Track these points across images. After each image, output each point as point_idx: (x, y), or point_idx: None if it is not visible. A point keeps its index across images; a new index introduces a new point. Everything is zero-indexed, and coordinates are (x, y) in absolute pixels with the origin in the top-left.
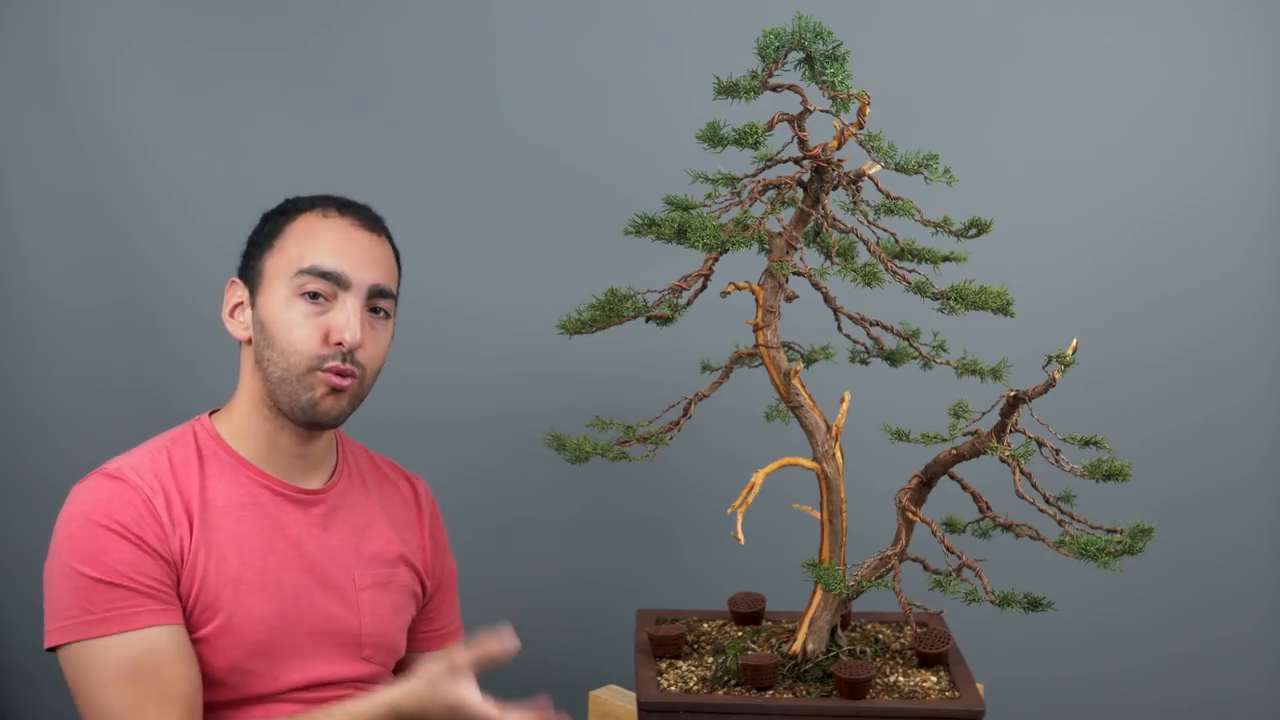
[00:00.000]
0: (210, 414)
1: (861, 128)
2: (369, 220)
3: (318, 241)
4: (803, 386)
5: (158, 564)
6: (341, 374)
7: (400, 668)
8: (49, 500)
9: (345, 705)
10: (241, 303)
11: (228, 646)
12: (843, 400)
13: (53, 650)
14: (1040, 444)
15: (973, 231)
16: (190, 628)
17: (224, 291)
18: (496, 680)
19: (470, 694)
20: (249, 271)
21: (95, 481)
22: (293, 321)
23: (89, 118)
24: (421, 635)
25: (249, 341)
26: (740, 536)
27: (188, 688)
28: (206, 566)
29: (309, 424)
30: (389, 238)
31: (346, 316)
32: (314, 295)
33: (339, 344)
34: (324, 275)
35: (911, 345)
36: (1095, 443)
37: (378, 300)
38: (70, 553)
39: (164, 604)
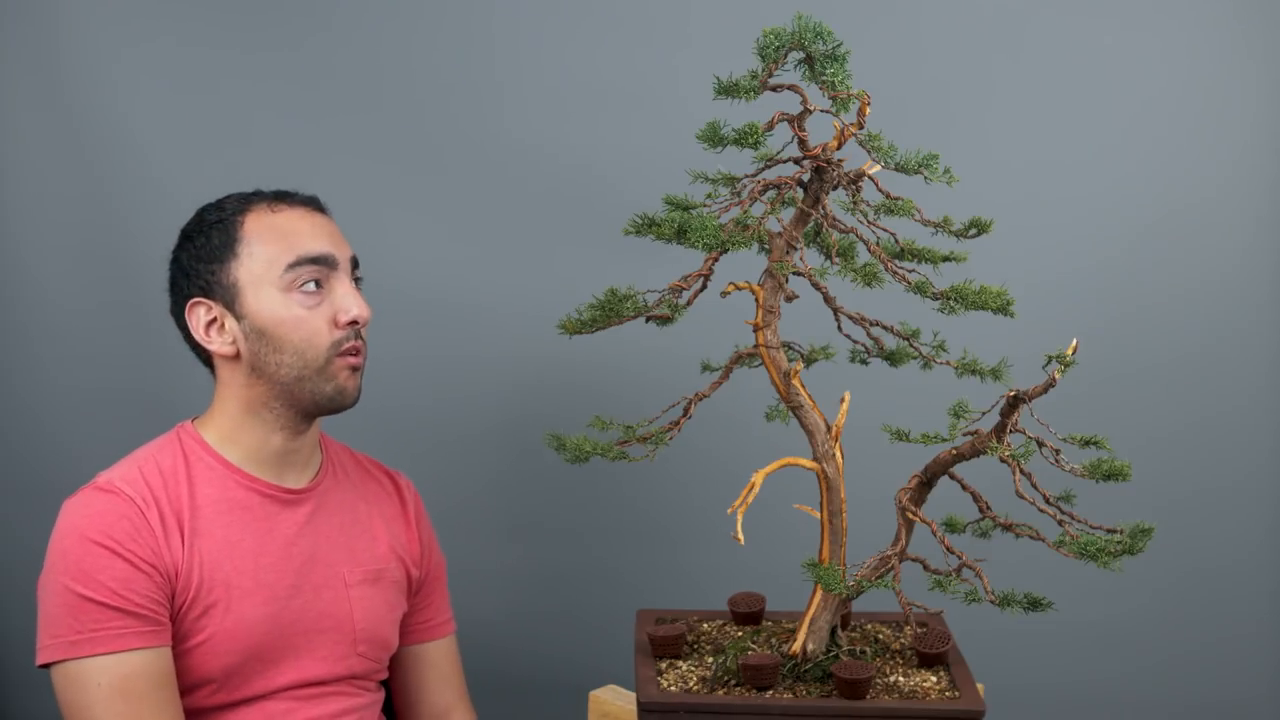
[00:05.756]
0: (193, 421)
1: (861, 128)
2: (317, 203)
3: (294, 233)
4: (803, 386)
5: (150, 580)
6: (356, 352)
7: (393, 663)
8: (49, 500)
9: None
10: (216, 319)
11: (223, 650)
12: (843, 400)
13: (45, 667)
14: (1040, 444)
15: (973, 231)
16: (186, 633)
17: (185, 316)
18: (497, 680)
19: None
20: (214, 288)
21: (87, 496)
22: (299, 318)
23: (89, 118)
24: (413, 628)
25: (236, 355)
26: (740, 536)
27: (173, 711)
28: (200, 573)
29: (334, 411)
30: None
31: (348, 294)
32: (315, 284)
33: (351, 322)
34: (314, 260)
35: (911, 345)
36: (1095, 443)
37: (356, 272)
38: (63, 570)
39: (154, 625)
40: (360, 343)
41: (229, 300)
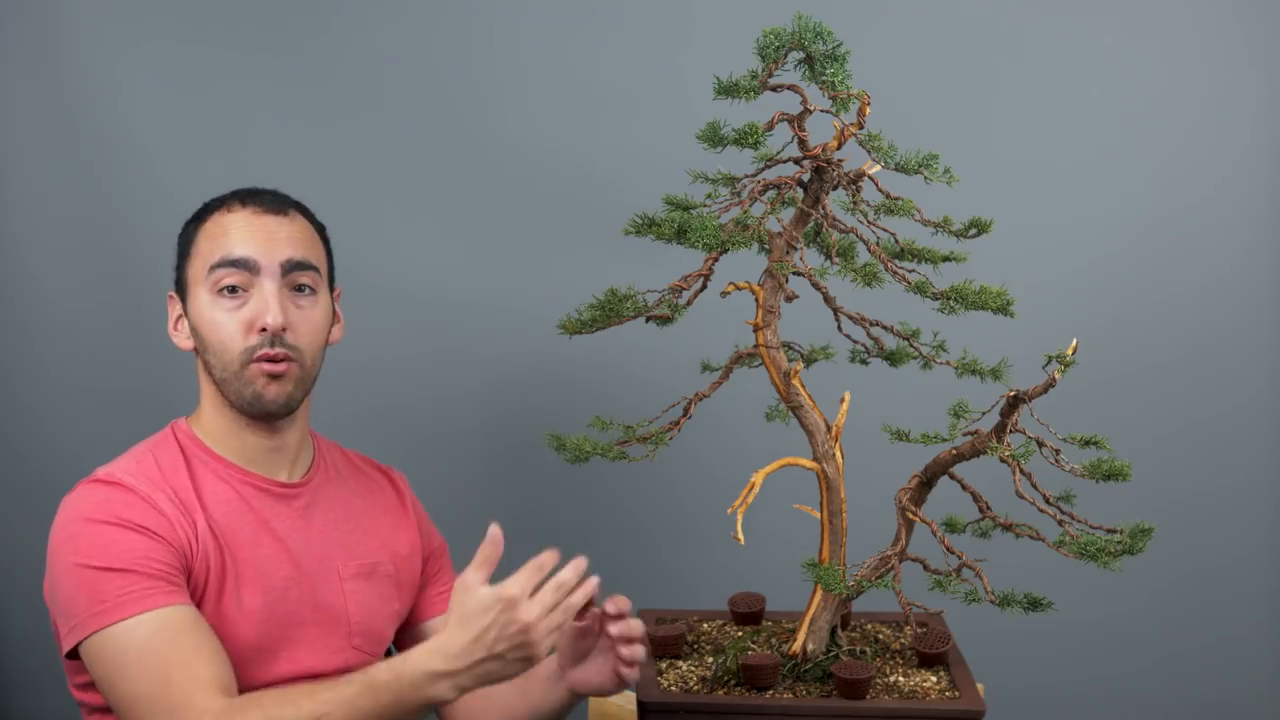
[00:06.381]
0: (186, 419)
1: (861, 128)
2: (273, 204)
3: (224, 235)
4: (803, 386)
5: (167, 550)
6: (273, 359)
7: (421, 640)
8: (49, 500)
9: (370, 673)
10: (181, 314)
11: (222, 641)
12: (843, 400)
13: (74, 655)
14: (1040, 444)
15: (973, 231)
16: None
17: (166, 307)
18: None
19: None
20: (178, 284)
21: (87, 488)
22: (217, 321)
23: (89, 118)
24: (434, 599)
25: (195, 350)
26: (740, 536)
27: (211, 652)
28: (207, 561)
29: (262, 416)
30: (305, 214)
31: (264, 300)
32: (232, 290)
33: (262, 329)
34: (233, 264)
35: (911, 345)
36: (1095, 443)
37: (297, 276)
38: (73, 551)
39: (175, 585)
40: (280, 350)
41: (184, 298)
